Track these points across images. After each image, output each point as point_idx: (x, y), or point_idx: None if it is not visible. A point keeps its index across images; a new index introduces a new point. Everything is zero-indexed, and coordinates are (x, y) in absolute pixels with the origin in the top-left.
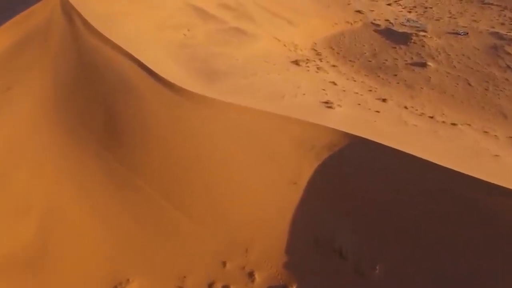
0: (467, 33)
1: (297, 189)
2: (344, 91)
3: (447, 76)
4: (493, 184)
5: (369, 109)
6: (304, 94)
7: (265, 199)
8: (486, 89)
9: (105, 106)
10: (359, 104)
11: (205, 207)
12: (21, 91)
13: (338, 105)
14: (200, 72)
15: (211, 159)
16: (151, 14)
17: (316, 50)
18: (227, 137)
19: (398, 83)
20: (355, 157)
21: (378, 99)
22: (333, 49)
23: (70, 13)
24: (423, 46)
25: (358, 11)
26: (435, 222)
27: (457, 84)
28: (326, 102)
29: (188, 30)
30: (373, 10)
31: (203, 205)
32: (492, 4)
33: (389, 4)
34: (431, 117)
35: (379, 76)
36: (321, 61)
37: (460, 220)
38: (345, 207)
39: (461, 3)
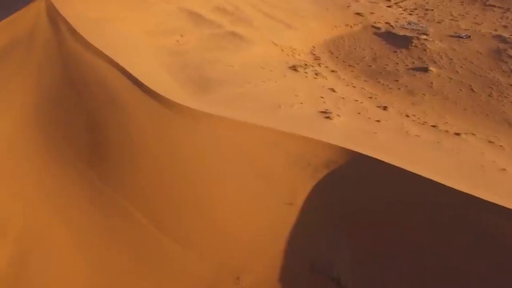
0: (470, 36)
1: (292, 210)
2: (343, 98)
3: (449, 82)
4: (504, 207)
5: (369, 118)
6: (301, 103)
7: (258, 221)
8: (490, 95)
9: (89, 121)
10: (359, 113)
11: (193, 230)
12: (0, 106)
13: (337, 115)
14: (192, 81)
15: (201, 178)
16: (142, 19)
17: (314, 55)
18: (218, 155)
19: (399, 89)
20: (354, 176)
21: (379, 106)
22: (332, 53)
23: (55, 19)
24: (424, 50)
25: (358, 14)
26: (442, 250)
27: (460, 90)
28: (325, 112)
29: (181, 35)
30: (373, 13)
31: (191, 228)
32: (494, 6)
33: (389, 6)
34: (434, 126)
35: (379, 82)
36: (319, 66)
37: (470, 250)
38: (345, 230)
39: (462, 5)
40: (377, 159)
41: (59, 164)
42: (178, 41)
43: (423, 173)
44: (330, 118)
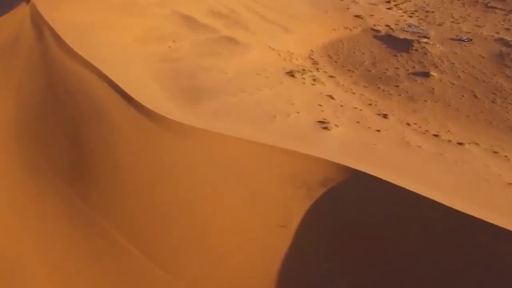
0: (471, 40)
1: (286, 233)
2: (342, 106)
3: (451, 87)
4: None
5: (369, 127)
6: (298, 112)
7: (250, 245)
8: (493, 102)
9: (73, 137)
10: (358, 122)
11: (181, 254)
12: None
13: (335, 125)
14: (183, 91)
15: (190, 200)
16: (133, 25)
17: (312, 59)
18: (208, 173)
19: (399, 95)
20: (353, 195)
21: (379, 114)
22: (331, 57)
23: (40, 25)
24: (425, 53)
25: (357, 16)
26: (449, 279)
27: (463, 96)
28: (322, 122)
29: (174, 41)
30: (372, 15)
31: (178, 253)
32: (496, 7)
33: (389, 8)
34: (436, 135)
35: (379, 88)
36: (318, 71)
37: (478, 279)
38: (343, 256)
39: (464, 7)
40: (376, 177)
41: (35, 181)
42: (170, 47)
43: (424, 190)
44: (328, 129)
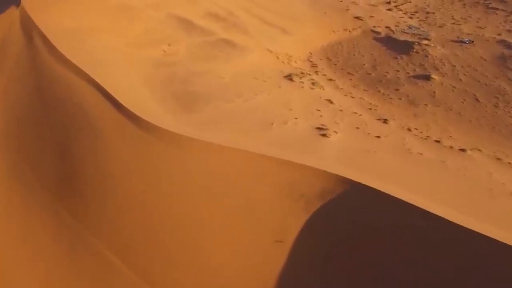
0: (473, 41)
1: (282, 249)
2: (341, 110)
3: (452, 91)
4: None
5: (369, 133)
6: (296, 118)
7: (244, 262)
8: (495, 106)
9: (62, 147)
10: (358, 128)
11: (173, 270)
12: None
13: (334, 132)
14: (177, 97)
15: (183, 214)
16: (127, 28)
17: (311, 62)
18: (201, 185)
19: (400, 99)
20: (352, 209)
21: (379, 119)
22: (330, 60)
23: (29, 30)
24: (426, 56)
25: (357, 18)
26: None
27: (464, 100)
28: (321, 128)
29: (169, 45)
30: (372, 16)
31: (171, 270)
32: (497, 9)
33: (389, 10)
34: (438, 141)
35: (379, 91)
36: (317, 74)
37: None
38: (339, 271)
39: (464, 8)
40: (375, 189)
41: (20, 193)
42: (165, 51)
43: (424, 203)
44: (327, 136)
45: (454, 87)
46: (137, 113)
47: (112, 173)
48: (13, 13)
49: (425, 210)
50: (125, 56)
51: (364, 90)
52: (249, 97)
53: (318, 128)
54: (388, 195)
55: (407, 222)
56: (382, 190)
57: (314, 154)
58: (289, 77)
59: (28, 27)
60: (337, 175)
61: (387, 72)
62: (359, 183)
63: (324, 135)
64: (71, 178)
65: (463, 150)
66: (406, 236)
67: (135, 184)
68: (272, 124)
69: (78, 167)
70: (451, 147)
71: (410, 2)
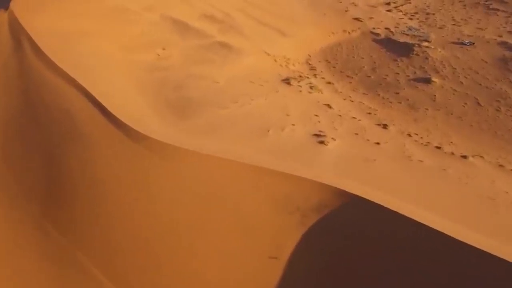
0: (473, 43)
1: (277, 265)
2: (339, 116)
3: (453, 94)
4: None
5: (368, 140)
6: (293, 124)
7: (237, 279)
8: (497, 110)
9: (49, 157)
10: (357, 134)
11: (161, 283)
12: None
13: (332, 138)
14: (170, 104)
15: (171, 226)
16: (120, 32)
17: (310, 64)
18: (192, 198)
19: (400, 103)
20: (350, 223)
21: (378, 124)
22: (329, 62)
23: (18, 34)
24: (426, 58)
25: (356, 19)
26: None
27: (465, 103)
28: (319, 135)
29: (163, 48)
30: (372, 17)
31: (157, 280)
32: (498, 9)
33: (389, 10)
34: (438, 147)
35: (379, 95)
36: (315, 77)
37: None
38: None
39: (465, 8)
40: (374, 203)
41: (5, 207)
42: (159, 55)
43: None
44: (325, 144)
45: (455, 90)
46: (127, 121)
47: (100, 183)
48: (1, 16)
49: (426, 225)
50: (118, 61)
51: (364, 93)
52: (245, 103)
53: (316, 134)
54: (387, 208)
55: (405, 235)
56: (381, 203)
57: (311, 163)
58: (286, 81)
59: (17, 31)
60: (335, 187)
61: (387, 75)
62: (357, 196)
63: (322, 142)
64: (57, 188)
65: (464, 156)
66: (404, 250)
67: (124, 195)
68: (268, 131)
69: (65, 177)
70: (452, 153)
71: (410, 3)
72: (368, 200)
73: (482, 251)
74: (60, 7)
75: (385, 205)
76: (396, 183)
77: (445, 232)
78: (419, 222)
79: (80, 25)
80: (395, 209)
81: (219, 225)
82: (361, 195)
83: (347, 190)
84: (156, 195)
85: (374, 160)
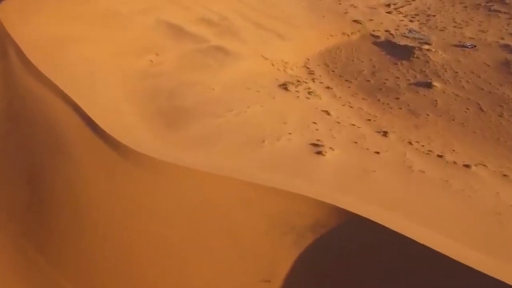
0: (475, 46)
1: None
2: (338, 123)
3: (455, 99)
4: None
5: (367, 149)
6: (290, 133)
7: None
8: (500, 115)
9: (30, 172)
10: (356, 143)
11: None
12: None
13: (330, 148)
14: (161, 113)
15: (160, 249)
16: (112, 37)
17: (308, 68)
18: (181, 217)
19: (400, 108)
20: (347, 244)
21: (378, 132)
22: (328, 66)
23: (3, 41)
24: (427, 61)
25: (356, 21)
26: None
27: (467, 109)
28: (316, 145)
29: (157, 54)
30: (372, 20)
31: None
32: (499, 11)
33: (389, 12)
34: (440, 156)
35: (379, 100)
36: (313, 81)
37: None
38: None
39: (466, 10)
40: (372, 221)
41: None
42: (152, 61)
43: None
44: (322, 154)
45: (456, 95)
46: (114, 134)
47: (85, 200)
48: None
49: (430, 248)
50: (109, 68)
51: (363, 98)
52: (240, 111)
53: (313, 144)
54: (388, 228)
55: (407, 258)
56: (381, 222)
57: (307, 177)
58: (284, 86)
59: (2, 40)
60: (332, 204)
61: (387, 79)
62: (355, 214)
63: (319, 152)
64: (39, 206)
65: (467, 166)
66: (407, 273)
67: (110, 213)
68: (263, 141)
69: (47, 193)
70: (455, 162)
71: (410, 4)
72: (367, 219)
73: (489, 276)
74: (49, 12)
75: (385, 225)
76: (396, 198)
77: (450, 256)
78: (422, 244)
79: (70, 30)
80: (396, 229)
81: (210, 245)
82: (359, 214)
83: (344, 208)
84: (144, 213)
85: (374, 171)
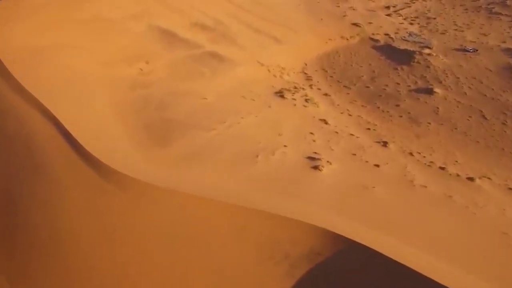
0: (477, 50)
1: None
2: (336, 132)
3: (457, 106)
4: None
5: (367, 161)
6: (285, 145)
7: None
8: (504, 124)
9: (5, 195)
10: (354, 154)
11: None
12: None
13: (328, 162)
14: (150, 127)
15: (141, 281)
16: (101, 45)
17: (306, 74)
18: (165, 245)
19: (401, 116)
20: (345, 275)
21: (378, 142)
22: (326, 71)
23: None
24: (428, 66)
25: (355, 24)
26: None
27: (470, 117)
28: (313, 158)
29: (147, 62)
30: (371, 23)
31: None
32: (501, 14)
33: (388, 15)
34: (442, 168)
35: (378, 108)
36: (311, 88)
37: None
38: None
39: (467, 12)
40: (373, 251)
41: None
42: (141, 69)
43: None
44: (319, 169)
45: (458, 102)
46: (97, 153)
47: (62, 227)
48: None
49: (433, 280)
50: (96, 78)
51: (362, 106)
52: (234, 122)
53: (309, 157)
54: (388, 258)
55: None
56: (381, 250)
57: (303, 196)
58: (280, 94)
59: None
60: (328, 230)
61: (387, 85)
62: (353, 241)
63: (316, 167)
64: (12, 233)
65: (471, 179)
66: None
67: (88, 241)
68: (257, 156)
69: (21, 218)
70: (458, 175)
71: (410, 6)
72: (366, 247)
73: None
74: (34, 19)
75: (386, 254)
76: (397, 219)
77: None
78: (425, 276)
79: (55, 38)
80: (397, 258)
81: (196, 275)
82: (358, 241)
83: (342, 234)
84: (125, 241)
85: (373, 187)
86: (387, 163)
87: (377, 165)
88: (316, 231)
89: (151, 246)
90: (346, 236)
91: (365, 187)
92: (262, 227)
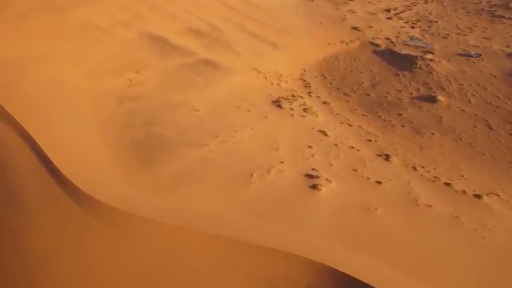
0: (480, 55)
1: None
2: (336, 145)
3: (461, 115)
4: None
5: (368, 178)
6: (282, 162)
7: None
8: (510, 134)
9: None
10: (355, 170)
11: None
12: None
13: (327, 180)
14: (135, 146)
15: None
16: (87, 54)
17: (304, 81)
18: (148, 283)
19: (403, 126)
20: None
21: (379, 155)
22: (325, 77)
23: None
24: (430, 72)
25: (355, 28)
26: None
27: (475, 126)
28: (311, 176)
29: (137, 72)
30: (371, 26)
31: None
32: (503, 17)
33: (389, 18)
34: (448, 184)
35: (380, 117)
36: (310, 96)
37: None
38: None
39: (469, 15)
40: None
41: None
42: (131, 80)
43: None
44: (318, 189)
45: (463, 110)
46: (75, 178)
47: (35, 263)
48: None
49: None
50: (81, 91)
51: (363, 115)
52: (227, 137)
53: (308, 175)
54: None
55: None
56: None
57: (299, 222)
58: (277, 103)
59: None
60: (326, 265)
61: (388, 93)
62: (354, 278)
63: (314, 186)
64: None
65: (478, 196)
66: None
67: (65, 279)
68: (251, 175)
69: None
70: (464, 192)
71: (411, 9)
72: (367, 285)
73: None
74: (17, 27)
75: None
76: (402, 248)
77: None
78: None
79: (39, 49)
80: None
81: None
82: (359, 278)
83: (340, 269)
84: (105, 279)
85: (375, 209)
86: (389, 180)
87: (379, 182)
88: (314, 267)
89: (135, 283)
90: (346, 272)
91: (367, 208)
92: (254, 262)
